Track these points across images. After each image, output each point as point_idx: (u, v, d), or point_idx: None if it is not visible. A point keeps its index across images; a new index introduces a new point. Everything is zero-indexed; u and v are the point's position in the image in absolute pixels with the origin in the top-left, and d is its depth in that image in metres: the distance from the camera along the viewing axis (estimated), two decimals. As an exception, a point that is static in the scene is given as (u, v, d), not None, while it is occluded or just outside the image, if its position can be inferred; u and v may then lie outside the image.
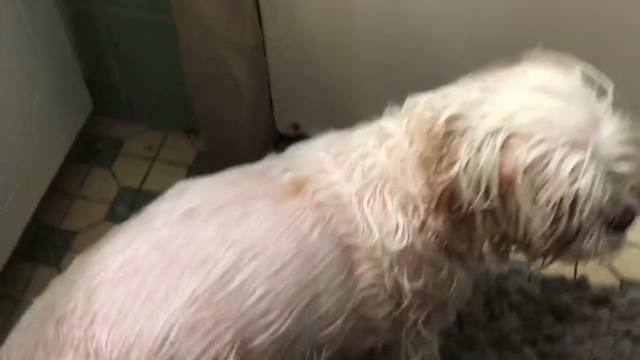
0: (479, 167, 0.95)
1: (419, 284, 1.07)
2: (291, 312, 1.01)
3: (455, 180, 0.97)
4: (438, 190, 0.98)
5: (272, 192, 1.05)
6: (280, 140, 1.82)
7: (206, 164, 1.81)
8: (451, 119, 0.98)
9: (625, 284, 1.62)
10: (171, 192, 1.09)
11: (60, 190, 1.82)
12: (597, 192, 0.94)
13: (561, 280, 1.60)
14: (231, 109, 1.62)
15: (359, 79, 1.64)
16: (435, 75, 1.10)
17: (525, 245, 1.02)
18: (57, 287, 1.04)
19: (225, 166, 1.14)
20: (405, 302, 1.09)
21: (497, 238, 1.01)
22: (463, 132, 0.97)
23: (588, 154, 0.93)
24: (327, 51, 1.62)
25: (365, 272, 1.06)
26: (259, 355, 1.00)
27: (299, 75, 1.67)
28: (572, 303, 1.56)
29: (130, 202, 1.78)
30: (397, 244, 1.04)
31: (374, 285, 1.07)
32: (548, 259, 1.05)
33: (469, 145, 0.95)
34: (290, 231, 1.02)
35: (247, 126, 1.68)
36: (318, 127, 1.18)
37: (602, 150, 0.94)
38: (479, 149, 0.95)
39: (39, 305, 1.03)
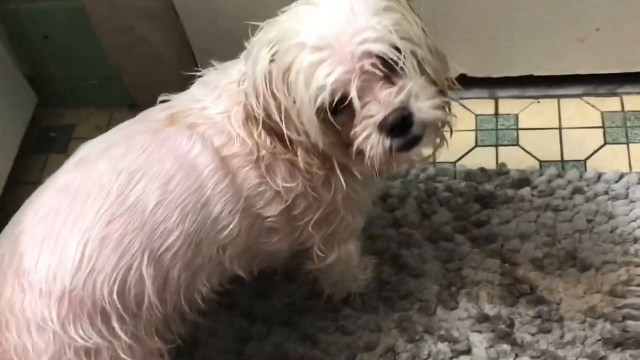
0: (255, 76, 1.09)
1: (296, 185, 1.21)
2: (186, 215, 1.15)
3: (246, 93, 1.13)
4: (242, 104, 1.15)
5: (152, 128, 1.20)
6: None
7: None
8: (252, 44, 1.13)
9: (544, 166, 1.75)
10: (75, 152, 1.23)
11: (23, 181, 1.96)
12: (332, 85, 1.03)
13: (482, 171, 1.74)
14: (156, 73, 1.75)
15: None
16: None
17: (323, 154, 1.14)
18: None
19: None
20: (289, 202, 1.23)
21: (304, 146, 1.14)
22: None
23: (325, 54, 1.03)
24: (235, 2, 1.74)
25: (248, 173, 1.20)
26: (170, 261, 1.15)
27: (215, 31, 1.80)
28: (494, 189, 1.70)
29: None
30: (266, 149, 1.18)
31: (260, 183, 1.21)
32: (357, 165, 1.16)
33: (252, 59, 1.10)
34: (170, 151, 1.17)
35: (176, 87, 1.81)
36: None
37: (343, 50, 1.03)
38: (255, 63, 1.09)
39: None
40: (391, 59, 1.04)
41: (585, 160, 1.74)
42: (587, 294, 1.53)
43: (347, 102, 1.06)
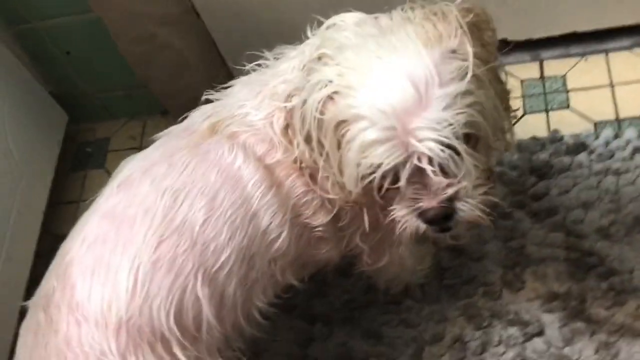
0: (306, 106, 1.03)
1: (338, 197, 1.13)
2: (236, 230, 1.10)
3: (291, 110, 1.07)
4: (284, 114, 1.10)
5: (192, 141, 1.15)
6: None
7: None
8: (314, 59, 1.05)
9: (599, 127, 1.65)
10: (116, 171, 1.19)
11: (65, 200, 1.93)
12: (384, 169, 0.98)
13: (535, 140, 1.65)
14: (183, 78, 1.69)
15: (292, 12, 1.69)
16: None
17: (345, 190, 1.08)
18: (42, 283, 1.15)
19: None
20: (335, 210, 1.17)
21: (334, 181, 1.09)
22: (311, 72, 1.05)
23: (385, 135, 0.97)
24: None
25: (294, 182, 1.14)
26: (225, 278, 1.11)
27: (240, 27, 1.73)
28: (549, 158, 1.61)
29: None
30: (305, 160, 1.11)
31: (306, 192, 1.15)
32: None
33: (308, 85, 1.03)
34: (212, 165, 1.12)
35: (206, 89, 1.75)
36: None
37: (404, 138, 0.96)
38: (311, 92, 1.03)
39: (31, 307, 1.14)
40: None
41: (642, 116, 1.64)
42: (661, 260, 1.44)
43: (395, 183, 1.02)
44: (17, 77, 1.80)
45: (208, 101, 1.24)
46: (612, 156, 1.58)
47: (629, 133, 1.60)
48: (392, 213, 1.06)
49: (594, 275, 1.45)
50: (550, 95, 1.73)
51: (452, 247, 1.54)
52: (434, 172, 0.99)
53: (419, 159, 0.98)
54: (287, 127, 1.11)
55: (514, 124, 1.18)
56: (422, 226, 1.05)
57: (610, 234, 1.49)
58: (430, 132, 0.96)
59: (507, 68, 1.72)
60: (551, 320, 1.43)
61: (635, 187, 1.53)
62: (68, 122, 1.98)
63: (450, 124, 0.96)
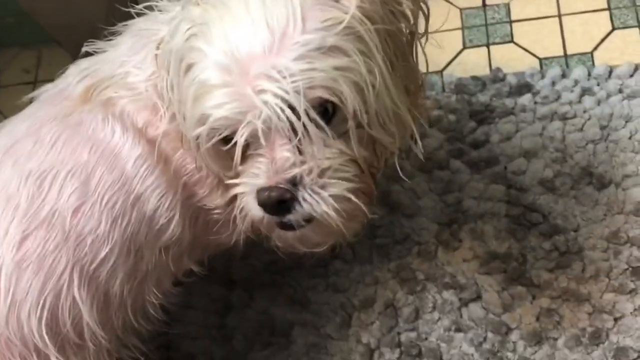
0: (171, 49, 0.88)
1: None
2: (117, 219, 0.95)
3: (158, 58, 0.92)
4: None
5: (64, 110, 0.98)
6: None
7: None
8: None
9: (544, 64, 1.50)
10: None
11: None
12: (217, 122, 0.83)
13: (475, 80, 1.49)
14: (76, 9, 1.46)
15: None
16: None
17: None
18: None
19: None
20: None
21: None
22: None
23: (223, 78, 0.82)
24: None
25: (184, 156, 0.98)
26: (108, 275, 0.96)
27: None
28: (490, 101, 1.46)
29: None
30: None
31: (201, 166, 0.98)
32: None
33: (173, 27, 0.89)
34: (85, 140, 0.95)
35: (106, 19, 1.53)
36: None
37: (242, 87, 0.81)
38: (174, 35, 0.88)
39: None
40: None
41: (592, 52, 1.49)
42: (608, 216, 1.33)
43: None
44: None
45: (89, 54, 1.04)
46: (558, 98, 1.44)
47: (577, 72, 1.45)
48: (231, 189, 0.90)
49: (536, 233, 1.33)
50: (493, 27, 1.56)
51: (384, 203, 1.40)
52: (283, 141, 0.83)
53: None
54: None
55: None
56: (259, 213, 0.88)
57: (555, 186, 1.36)
58: (269, 81, 0.80)
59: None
60: (489, 284, 1.31)
61: (583, 134, 1.39)
62: (-51, 54, 1.74)
63: (294, 77, 0.79)
